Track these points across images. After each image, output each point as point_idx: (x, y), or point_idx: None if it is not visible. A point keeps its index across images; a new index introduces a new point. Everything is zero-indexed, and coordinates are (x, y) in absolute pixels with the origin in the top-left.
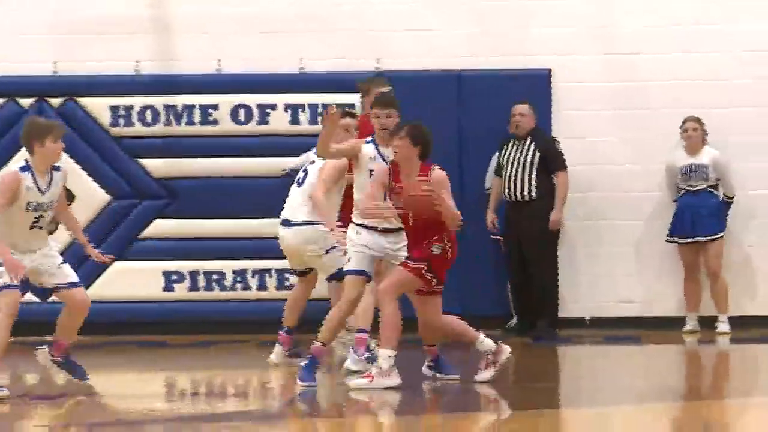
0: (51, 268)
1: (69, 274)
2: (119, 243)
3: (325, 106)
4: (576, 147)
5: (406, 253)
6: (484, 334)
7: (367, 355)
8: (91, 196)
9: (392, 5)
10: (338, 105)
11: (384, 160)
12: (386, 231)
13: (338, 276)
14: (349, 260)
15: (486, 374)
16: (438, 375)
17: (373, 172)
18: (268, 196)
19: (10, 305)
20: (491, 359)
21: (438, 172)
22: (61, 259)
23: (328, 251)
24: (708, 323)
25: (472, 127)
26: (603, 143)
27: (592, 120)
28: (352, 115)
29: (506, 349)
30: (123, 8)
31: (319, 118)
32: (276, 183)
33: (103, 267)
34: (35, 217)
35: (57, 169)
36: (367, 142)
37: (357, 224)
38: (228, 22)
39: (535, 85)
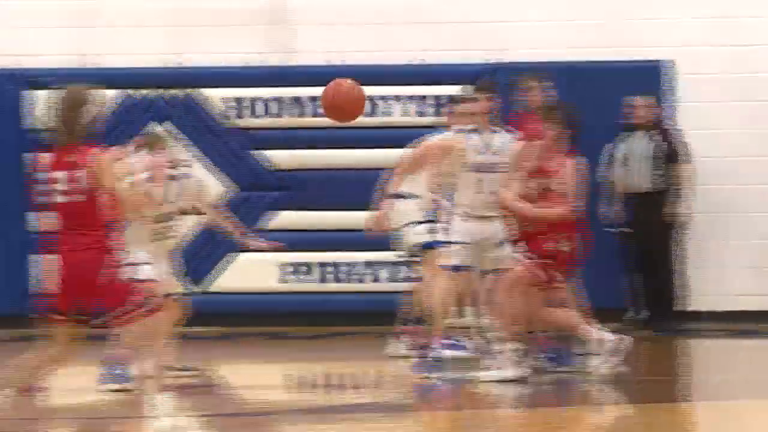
0: None
1: None
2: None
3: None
4: (700, 138)
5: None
6: (600, 327)
7: (452, 343)
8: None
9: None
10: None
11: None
12: (488, 218)
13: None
14: (451, 254)
15: (599, 364)
16: (555, 367)
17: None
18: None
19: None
20: (604, 350)
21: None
22: None
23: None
24: None
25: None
26: (728, 135)
27: (717, 111)
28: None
29: (618, 340)
30: (244, 0)
31: (443, 110)
32: None
33: (223, 259)
34: None
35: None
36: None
37: (461, 213)
38: (349, 13)
39: (649, 77)
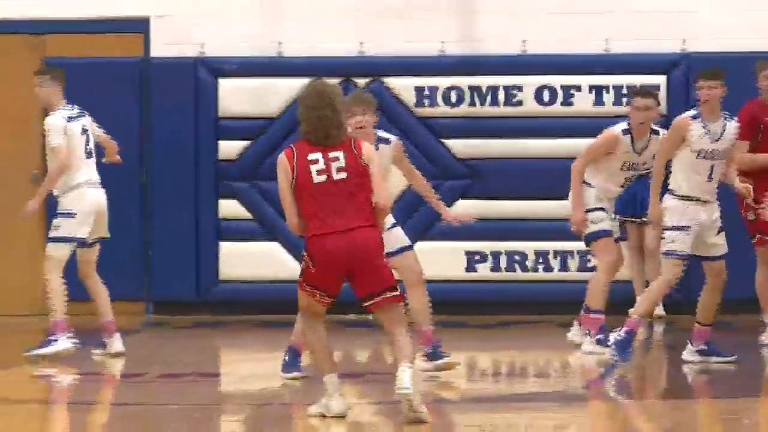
0: None
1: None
2: (422, 222)
3: (629, 87)
4: None
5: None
6: None
7: (599, 337)
8: (395, 175)
9: None
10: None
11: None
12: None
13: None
14: (671, 241)
15: None
16: (713, 358)
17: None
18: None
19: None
20: None
21: None
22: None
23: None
24: None
25: None
26: None
27: None
28: (654, 96)
29: None
30: None
31: (624, 99)
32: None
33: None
34: None
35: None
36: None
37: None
38: (533, 2)
39: None
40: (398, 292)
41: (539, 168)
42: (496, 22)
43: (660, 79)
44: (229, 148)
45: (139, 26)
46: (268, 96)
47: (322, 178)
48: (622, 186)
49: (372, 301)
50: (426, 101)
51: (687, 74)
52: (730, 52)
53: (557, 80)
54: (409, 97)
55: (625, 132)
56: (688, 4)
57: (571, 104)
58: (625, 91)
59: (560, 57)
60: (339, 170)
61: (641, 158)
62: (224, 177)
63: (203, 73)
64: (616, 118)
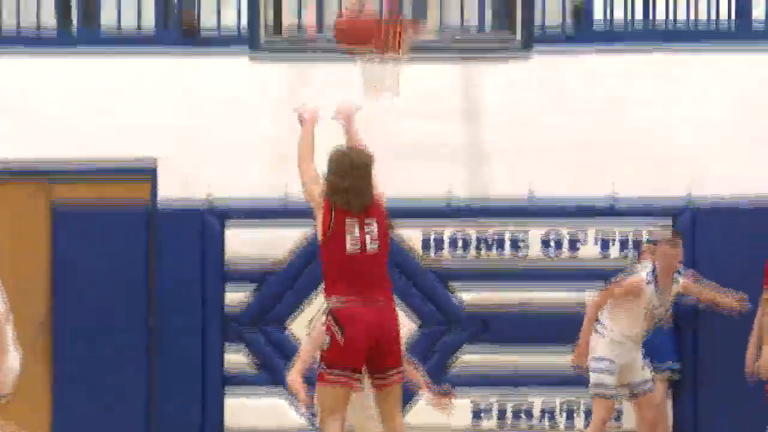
0: None
1: None
2: (430, 372)
3: (636, 233)
4: None
5: None
6: None
7: None
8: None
9: (704, 133)
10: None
11: None
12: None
13: None
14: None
15: None
16: None
17: None
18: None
19: None
20: None
21: None
22: None
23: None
24: None
25: None
26: None
27: None
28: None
29: None
30: (436, 135)
31: (630, 246)
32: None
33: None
34: None
35: None
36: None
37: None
38: (541, 148)
39: None
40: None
41: (547, 316)
42: (503, 168)
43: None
44: (236, 295)
45: (147, 172)
46: (276, 242)
47: (356, 248)
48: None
49: (386, 377)
50: (432, 247)
51: (693, 221)
52: (737, 199)
53: (563, 226)
54: (416, 244)
55: (650, 280)
56: (695, 150)
57: (577, 250)
58: (631, 237)
59: (566, 203)
60: (372, 240)
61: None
62: (231, 324)
63: (210, 218)
64: (621, 266)
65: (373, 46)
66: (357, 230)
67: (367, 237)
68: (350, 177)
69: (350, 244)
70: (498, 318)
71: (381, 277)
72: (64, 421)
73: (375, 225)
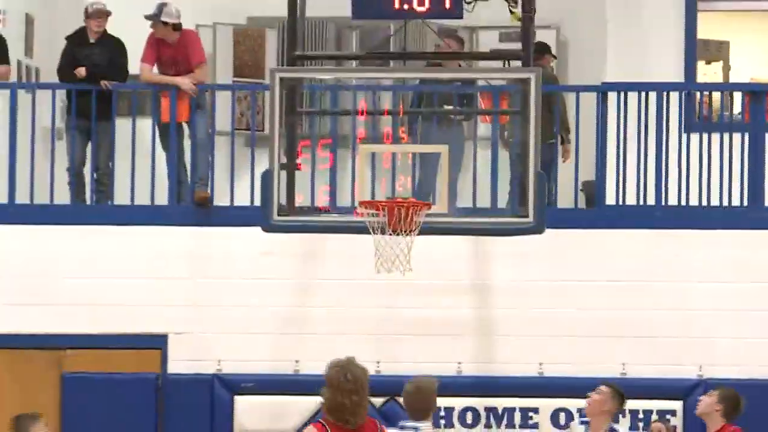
0: None
1: None
2: None
3: (645, 412)
4: None
5: None
6: None
7: None
8: None
9: (716, 312)
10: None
11: None
12: None
13: None
14: None
15: None
16: None
17: None
18: None
19: None
20: None
21: None
22: None
23: None
24: None
25: None
26: None
27: None
28: None
29: None
30: (447, 310)
31: (640, 424)
32: None
33: None
34: None
35: None
36: None
37: None
38: (551, 326)
39: None
40: None
41: None
42: (514, 344)
43: (677, 405)
44: None
45: (157, 342)
46: (285, 413)
47: None
48: None
49: None
50: (442, 422)
51: None
52: (748, 378)
53: (574, 403)
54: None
55: None
56: (706, 330)
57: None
58: (641, 415)
59: (576, 380)
60: None
61: None
62: None
63: (220, 389)
64: None
65: (386, 223)
66: None
67: None
68: (350, 394)
69: None
70: None
71: None
72: None
73: None
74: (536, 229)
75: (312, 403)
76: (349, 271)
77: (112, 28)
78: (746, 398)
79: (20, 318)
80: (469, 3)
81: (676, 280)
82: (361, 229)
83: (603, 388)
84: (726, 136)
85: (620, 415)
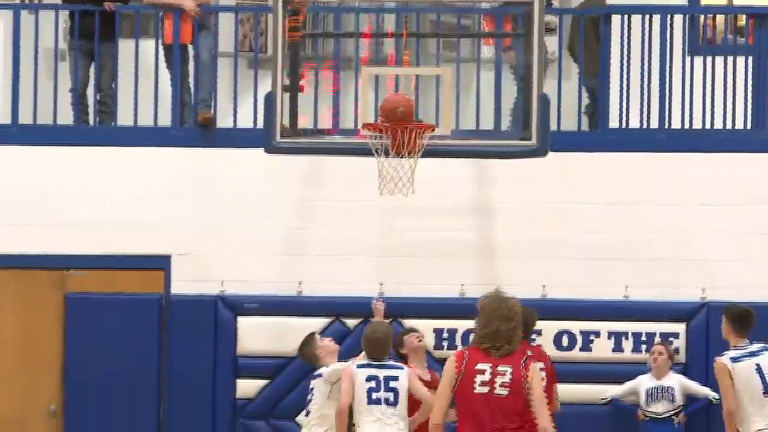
0: None
1: None
2: None
3: (648, 335)
4: None
5: None
6: None
7: None
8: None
9: (718, 235)
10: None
11: None
12: None
13: None
14: None
15: None
16: None
17: None
18: (589, 421)
19: None
20: None
21: None
22: None
23: None
24: None
25: None
26: None
27: None
28: None
29: None
30: (450, 232)
31: (643, 347)
32: (596, 410)
33: None
34: None
35: None
36: None
37: None
38: (552, 248)
39: None
40: None
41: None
42: (516, 267)
43: (680, 327)
44: (247, 387)
45: (161, 263)
46: (288, 335)
47: (484, 389)
48: None
49: None
50: (445, 344)
51: (707, 323)
52: (751, 301)
53: (575, 326)
54: (428, 339)
55: None
56: (709, 253)
57: (590, 350)
58: (644, 338)
59: (579, 303)
60: (503, 386)
61: None
62: (241, 415)
63: (223, 311)
64: (635, 365)
65: (389, 145)
66: (489, 372)
67: (497, 381)
68: (495, 317)
69: (479, 384)
70: None
71: (510, 422)
72: None
73: (510, 371)
74: (539, 152)
75: (314, 324)
76: (352, 193)
77: None
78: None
79: (24, 238)
80: None
81: (680, 203)
82: (364, 152)
83: None
84: (730, 59)
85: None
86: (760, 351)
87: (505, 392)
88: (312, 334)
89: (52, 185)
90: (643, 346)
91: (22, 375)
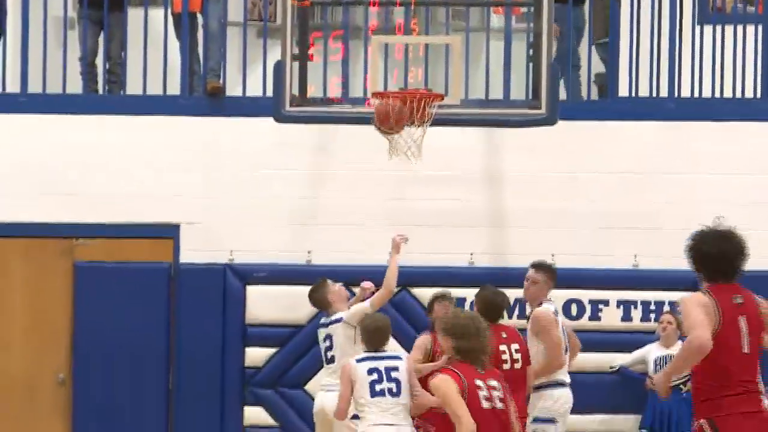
0: None
1: None
2: None
3: (657, 303)
4: None
5: None
6: None
7: None
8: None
9: (727, 204)
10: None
11: None
12: None
13: None
14: None
15: None
16: None
17: None
18: (597, 389)
19: None
20: None
21: None
22: None
23: None
24: None
25: None
26: None
27: None
28: None
29: None
30: (459, 202)
31: (652, 316)
32: (605, 379)
33: None
34: None
35: None
36: None
37: None
38: (561, 217)
39: None
40: None
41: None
42: (526, 235)
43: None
44: (256, 355)
45: (169, 232)
46: (297, 304)
47: (488, 405)
48: None
49: None
50: None
51: None
52: (758, 270)
53: (584, 294)
54: None
55: None
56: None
57: (599, 319)
58: (653, 307)
59: (588, 271)
60: (500, 400)
61: None
62: (250, 384)
63: (232, 279)
64: (644, 333)
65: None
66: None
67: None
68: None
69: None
70: None
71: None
72: None
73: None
74: (548, 121)
75: None
76: (361, 162)
77: None
78: (755, 290)
79: (33, 207)
80: None
81: (688, 172)
82: (373, 120)
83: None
84: (740, 27)
85: None
86: None
87: (501, 405)
88: (324, 279)
89: (60, 154)
90: (652, 315)
91: (30, 343)
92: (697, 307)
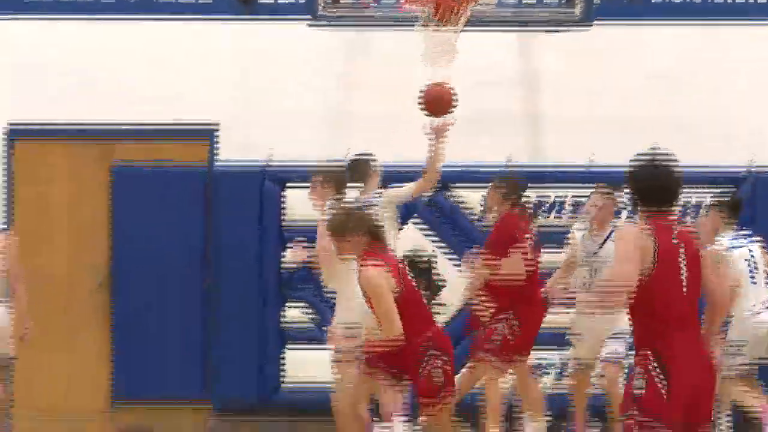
0: None
1: None
2: None
3: (698, 200)
4: None
5: None
6: None
7: None
8: (460, 285)
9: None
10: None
11: None
12: None
13: None
14: None
15: None
16: None
17: None
18: None
19: None
20: None
21: None
22: None
23: None
24: None
25: None
26: None
27: None
28: None
29: None
30: (495, 103)
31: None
32: None
33: None
34: None
35: None
36: None
37: None
38: (602, 117)
39: None
40: None
41: None
42: (564, 135)
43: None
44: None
45: (206, 134)
46: None
47: None
48: None
49: None
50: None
51: (754, 190)
52: None
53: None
54: (475, 208)
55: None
56: (756, 122)
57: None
58: (694, 201)
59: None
60: None
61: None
62: (288, 286)
63: (269, 181)
64: None
65: (433, 15)
66: None
67: None
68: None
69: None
70: None
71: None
72: (123, 373)
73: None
74: (583, 22)
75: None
76: (396, 67)
77: None
78: None
79: (70, 110)
80: None
81: (726, 74)
82: (407, 22)
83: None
84: None
85: None
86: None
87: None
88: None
89: (95, 58)
90: (688, 210)
91: (69, 246)
92: (629, 244)
